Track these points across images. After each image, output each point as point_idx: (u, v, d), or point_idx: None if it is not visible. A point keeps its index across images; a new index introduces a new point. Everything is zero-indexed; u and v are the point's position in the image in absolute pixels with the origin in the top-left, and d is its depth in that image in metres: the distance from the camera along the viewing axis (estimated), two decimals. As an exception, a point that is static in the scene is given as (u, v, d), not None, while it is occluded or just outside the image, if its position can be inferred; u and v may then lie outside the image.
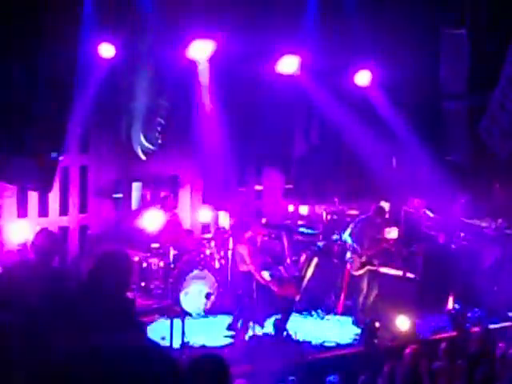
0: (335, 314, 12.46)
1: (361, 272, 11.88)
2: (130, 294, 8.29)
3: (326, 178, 15.27)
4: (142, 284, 12.05)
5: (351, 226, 12.19)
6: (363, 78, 14.35)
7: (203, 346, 10.30)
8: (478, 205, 13.60)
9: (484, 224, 12.93)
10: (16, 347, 5.45)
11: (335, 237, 13.16)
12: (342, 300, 12.18)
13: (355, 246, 11.82)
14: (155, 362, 3.98)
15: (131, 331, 5.54)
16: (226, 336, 11.16)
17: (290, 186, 15.69)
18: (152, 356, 4.42)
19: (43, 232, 7.83)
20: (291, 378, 8.62)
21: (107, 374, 4.83)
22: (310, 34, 13.09)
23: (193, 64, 12.80)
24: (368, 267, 11.81)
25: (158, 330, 10.39)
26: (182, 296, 11.51)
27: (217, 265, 12.61)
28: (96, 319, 5.53)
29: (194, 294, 11.75)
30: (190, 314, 11.41)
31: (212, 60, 12.75)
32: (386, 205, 12.97)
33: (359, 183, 15.16)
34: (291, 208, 15.18)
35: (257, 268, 11.16)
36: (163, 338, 9.92)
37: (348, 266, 11.97)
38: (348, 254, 11.99)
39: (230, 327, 11.34)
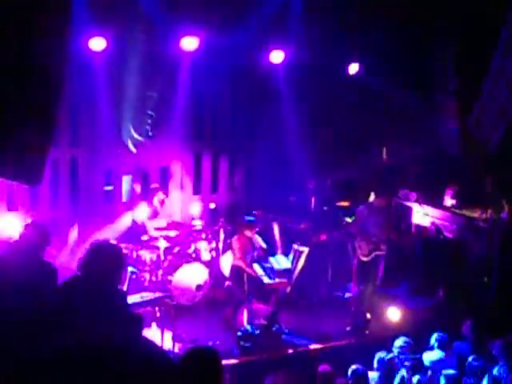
0: (327, 304, 12.50)
1: (369, 258, 11.76)
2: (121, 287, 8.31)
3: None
4: (133, 276, 12.01)
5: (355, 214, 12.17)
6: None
7: (195, 340, 10.30)
8: (467, 196, 13.62)
9: (474, 215, 12.95)
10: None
11: (349, 219, 13.11)
12: (354, 286, 12.10)
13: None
14: (146, 358, 4.03)
15: (123, 326, 5.53)
16: (218, 328, 11.18)
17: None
18: (142, 353, 4.48)
19: (32, 225, 7.83)
20: None
21: (96, 370, 4.86)
22: None
23: (184, 55, 12.76)
24: (376, 253, 11.72)
25: (150, 323, 10.41)
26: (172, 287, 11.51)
27: (208, 257, 12.60)
28: (87, 313, 5.53)
29: (185, 284, 11.75)
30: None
31: (201, 52, 12.74)
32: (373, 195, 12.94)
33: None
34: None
35: (247, 261, 11.17)
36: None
37: (358, 251, 11.86)
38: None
39: (221, 319, 11.36)
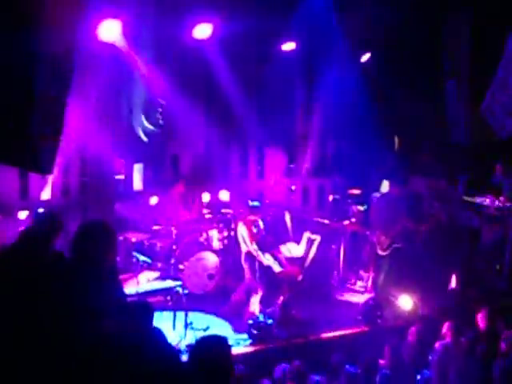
0: (338, 293, 12.51)
1: (387, 251, 11.75)
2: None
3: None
4: (145, 265, 12.03)
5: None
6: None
7: (207, 328, 10.31)
8: (477, 184, 13.58)
9: (485, 202, 12.90)
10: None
11: (361, 208, 13.08)
12: (370, 278, 12.08)
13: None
14: (153, 350, 4.07)
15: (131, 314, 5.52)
16: (230, 317, 11.19)
17: (292, 166, 15.68)
18: (149, 344, 4.51)
19: (44, 214, 7.82)
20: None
21: (103, 360, 4.88)
22: None
23: (196, 44, 12.75)
24: (394, 245, 11.70)
25: (161, 313, 10.42)
26: (184, 276, 11.53)
27: (219, 245, 12.61)
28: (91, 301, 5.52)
29: (197, 273, 11.77)
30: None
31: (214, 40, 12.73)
32: (387, 183, 12.92)
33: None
34: (293, 187, 15.19)
35: (258, 249, 11.15)
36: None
37: (376, 246, 11.83)
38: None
39: (233, 308, 11.37)
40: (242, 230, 11.26)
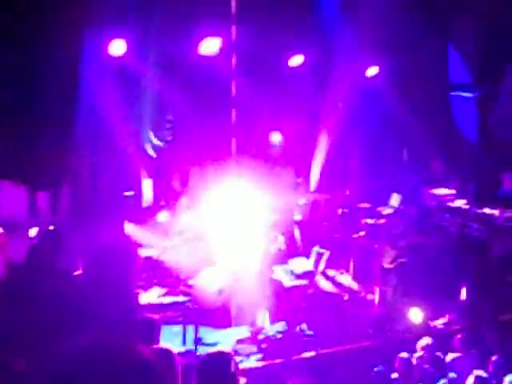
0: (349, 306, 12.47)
1: (393, 265, 11.75)
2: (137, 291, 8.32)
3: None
4: (155, 280, 12.05)
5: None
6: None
7: (216, 343, 10.31)
8: (486, 195, 13.55)
9: (495, 213, 12.86)
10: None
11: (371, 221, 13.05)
12: (376, 288, 12.07)
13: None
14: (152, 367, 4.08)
15: (132, 333, 5.52)
16: (240, 332, 11.18)
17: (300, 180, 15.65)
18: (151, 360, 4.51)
19: (48, 231, 7.86)
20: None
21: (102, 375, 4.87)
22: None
23: (203, 59, 12.80)
24: (400, 260, 11.69)
25: (171, 328, 10.44)
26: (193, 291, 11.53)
27: (230, 260, 12.57)
28: (99, 318, 5.52)
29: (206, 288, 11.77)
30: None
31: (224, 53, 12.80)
32: (397, 197, 12.90)
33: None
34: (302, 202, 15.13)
35: (269, 265, 11.14)
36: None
37: (383, 259, 11.83)
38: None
39: (243, 323, 11.36)
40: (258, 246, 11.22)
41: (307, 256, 12.44)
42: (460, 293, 12.55)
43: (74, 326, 5.56)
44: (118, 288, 5.89)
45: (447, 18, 14.04)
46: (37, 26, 6.67)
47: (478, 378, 8.95)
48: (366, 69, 14.59)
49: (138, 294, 6.52)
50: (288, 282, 11.15)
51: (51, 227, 11.16)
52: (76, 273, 6.48)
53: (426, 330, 10.88)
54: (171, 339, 9.82)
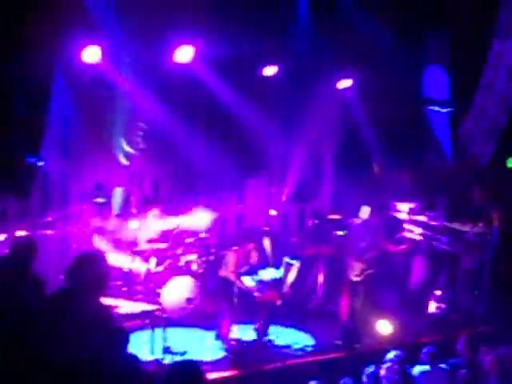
0: (317, 318, 12.49)
1: (361, 278, 11.77)
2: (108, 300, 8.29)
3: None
4: (124, 289, 12.00)
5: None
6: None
7: (184, 353, 10.27)
8: (457, 209, 13.64)
9: (465, 228, 12.95)
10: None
11: (341, 233, 13.06)
12: (344, 300, 12.08)
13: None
14: (125, 374, 4.05)
15: (107, 339, 5.51)
16: (208, 342, 11.14)
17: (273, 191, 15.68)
18: (123, 369, 4.49)
19: (21, 238, 7.81)
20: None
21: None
22: None
23: (178, 67, 12.79)
24: (368, 272, 11.73)
25: (140, 336, 10.39)
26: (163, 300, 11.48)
27: (199, 269, 12.57)
28: (71, 326, 5.50)
29: (175, 297, 11.73)
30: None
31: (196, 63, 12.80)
32: (367, 209, 12.94)
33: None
34: (273, 212, 15.15)
35: (237, 274, 11.08)
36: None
37: (349, 272, 11.84)
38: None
39: (211, 333, 11.33)
40: (231, 256, 11.13)
41: (277, 267, 12.46)
42: (428, 305, 12.63)
43: (50, 335, 5.53)
44: (92, 297, 5.89)
45: (422, 33, 14.14)
46: (8, 31, 6.62)
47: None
48: (339, 81, 14.70)
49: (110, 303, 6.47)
50: (257, 292, 11.12)
51: (23, 233, 11.12)
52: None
53: (394, 342, 10.89)
54: (139, 348, 9.78)
